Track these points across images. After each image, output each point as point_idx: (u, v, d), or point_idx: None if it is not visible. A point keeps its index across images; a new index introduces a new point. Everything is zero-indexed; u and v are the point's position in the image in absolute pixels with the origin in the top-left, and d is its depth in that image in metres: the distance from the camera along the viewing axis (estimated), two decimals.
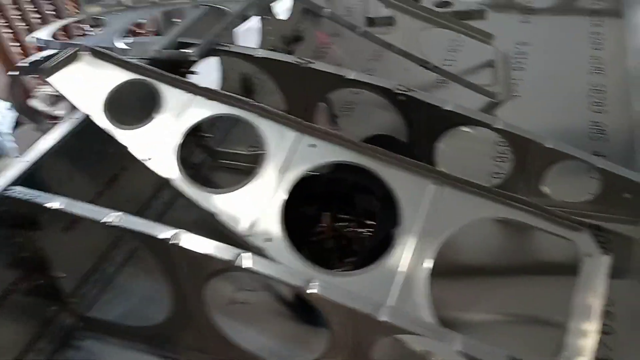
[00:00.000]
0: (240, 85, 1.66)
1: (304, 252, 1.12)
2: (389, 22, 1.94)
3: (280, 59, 1.22)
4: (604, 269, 0.94)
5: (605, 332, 0.93)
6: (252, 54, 1.25)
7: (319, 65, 1.20)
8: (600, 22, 1.89)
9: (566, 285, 0.93)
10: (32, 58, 1.36)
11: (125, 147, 1.05)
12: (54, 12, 3.16)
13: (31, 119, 1.59)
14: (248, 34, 1.78)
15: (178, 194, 1.31)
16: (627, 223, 1.13)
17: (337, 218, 1.17)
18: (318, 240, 1.15)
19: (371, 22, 2.01)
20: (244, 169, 1.42)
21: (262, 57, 1.23)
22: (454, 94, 1.57)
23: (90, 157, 1.12)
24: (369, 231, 1.14)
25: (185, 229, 0.84)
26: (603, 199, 1.12)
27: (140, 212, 1.27)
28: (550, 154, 1.09)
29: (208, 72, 1.45)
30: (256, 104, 1.07)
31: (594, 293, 0.91)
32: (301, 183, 1.05)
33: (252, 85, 1.68)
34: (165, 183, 1.30)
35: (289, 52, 1.91)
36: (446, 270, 0.98)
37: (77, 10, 3.20)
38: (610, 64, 1.66)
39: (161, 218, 1.30)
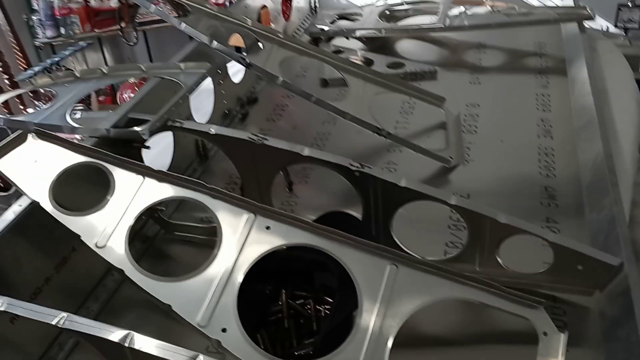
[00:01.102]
0: (195, 150, 1.65)
1: (262, 334, 1.11)
2: (342, 83, 1.97)
3: (235, 135, 1.22)
4: (561, 347, 0.95)
5: None
6: (206, 130, 1.24)
7: (273, 142, 1.19)
8: (546, 82, 1.95)
9: (526, 356, 0.94)
10: None
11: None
12: (0, 69, 3.12)
13: None
14: (201, 95, 1.78)
15: None
16: (582, 293, 1.15)
17: (294, 295, 1.15)
18: (275, 320, 1.13)
19: (325, 83, 2.04)
20: (198, 241, 1.40)
21: (217, 134, 1.22)
22: (408, 157, 1.59)
23: (38, 243, 1.08)
24: (327, 309, 1.13)
25: (139, 308, 0.81)
26: (557, 270, 1.13)
27: (93, 291, 1.23)
28: (505, 229, 1.11)
29: (161, 137, 1.44)
30: (208, 186, 1.05)
31: None
32: (259, 263, 1.04)
33: (207, 150, 1.67)
34: None
35: (244, 114, 1.91)
36: (406, 344, 0.97)
37: (25, 67, 3.16)
38: (557, 125, 1.71)
39: (113, 296, 1.26)
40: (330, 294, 1.15)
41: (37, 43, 3.62)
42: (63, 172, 1.06)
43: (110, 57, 3.94)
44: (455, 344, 1.12)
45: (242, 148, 1.22)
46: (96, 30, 3.43)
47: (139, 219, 1.05)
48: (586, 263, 1.10)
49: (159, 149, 1.48)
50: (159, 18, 1.53)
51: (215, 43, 1.46)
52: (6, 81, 3.09)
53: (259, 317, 1.13)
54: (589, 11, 2.07)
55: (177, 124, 1.25)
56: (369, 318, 0.94)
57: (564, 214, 1.38)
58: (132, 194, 1.04)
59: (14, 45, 3.17)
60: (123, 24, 3.32)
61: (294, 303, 1.14)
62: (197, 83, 1.30)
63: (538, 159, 1.57)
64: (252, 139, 1.19)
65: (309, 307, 1.14)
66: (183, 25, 1.48)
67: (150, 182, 1.06)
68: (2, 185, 1.72)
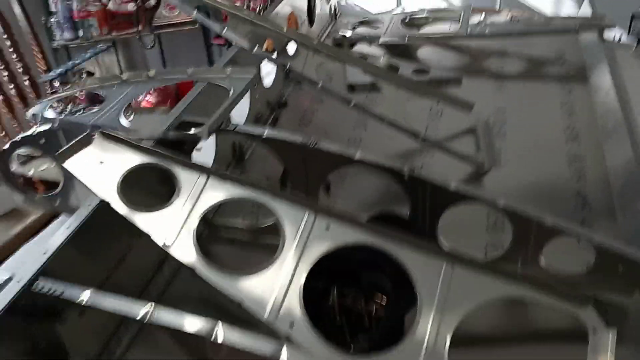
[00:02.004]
0: (232, 151, 1.69)
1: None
2: (369, 88, 2.02)
3: (287, 138, 1.26)
4: (611, 343, 1.00)
5: None
6: (259, 134, 1.28)
7: (325, 145, 1.23)
8: (569, 89, 2.00)
9: (575, 354, 0.98)
10: (26, 133, 1.36)
11: (133, 227, 1.06)
12: (21, 69, 3.15)
13: (18, 191, 1.57)
14: None
15: (178, 270, 1.33)
16: (622, 294, 1.19)
17: (345, 293, 1.19)
18: (328, 317, 1.17)
19: (352, 88, 2.08)
20: (240, 241, 1.44)
21: (270, 137, 1.26)
22: (439, 162, 1.64)
23: (101, 243, 1.12)
24: (377, 306, 1.17)
25: (189, 304, 0.84)
26: (598, 270, 1.18)
27: (144, 288, 1.27)
28: (550, 231, 1.15)
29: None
30: (268, 184, 1.09)
31: None
32: (321, 261, 1.08)
33: (243, 152, 1.71)
34: (165, 259, 1.33)
35: (275, 118, 1.96)
36: (457, 342, 1.01)
37: (45, 68, 3.20)
38: (583, 131, 1.75)
39: (164, 293, 1.30)
40: (378, 292, 1.19)
41: (54, 45, 3.66)
42: (128, 173, 1.10)
43: (123, 60, 3.98)
44: (503, 342, 1.17)
45: (294, 151, 1.26)
46: (113, 33, 3.47)
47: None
48: (627, 264, 1.15)
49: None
50: (174, 22, 1.57)
51: (256, 48, 1.51)
52: (26, 82, 3.12)
53: (313, 315, 1.17)
54: (609, 21, 2.12)
55: (230, 127, 1.29)
56: (428, 317, 0.99)
57: (597, 218, 1.43)
58: (197, 193, 1.08)
59: (33, 47, 3.21)
60: (140, 27, 3.36)
61: (344, 300, 1.18)
62: (247, 88, 1.34)
63: (568, 164, 1.61)
64: (305, 142, 1.23)
65: (360, 304, 1.18)
66: (225, 31, 1.52)
67: (214, 181, 1.10)
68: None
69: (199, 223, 1.07)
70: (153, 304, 0.86)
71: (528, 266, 1.22)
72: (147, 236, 1.06)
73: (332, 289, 1.19)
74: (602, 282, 1.20)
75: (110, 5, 3.41)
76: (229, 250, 1.44)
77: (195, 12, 1.57)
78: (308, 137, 1.24)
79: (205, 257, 1.01)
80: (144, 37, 3.41)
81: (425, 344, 0.95)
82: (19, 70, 3.17)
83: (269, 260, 1.03)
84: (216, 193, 1.09)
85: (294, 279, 1.01)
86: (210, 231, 1.47)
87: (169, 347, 1.15)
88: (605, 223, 1.42)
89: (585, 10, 2.50)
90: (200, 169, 1.11)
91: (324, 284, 1.21)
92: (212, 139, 1.51)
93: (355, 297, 1.19)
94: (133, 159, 1.11)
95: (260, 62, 1.73)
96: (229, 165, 1.64)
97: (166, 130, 1.24)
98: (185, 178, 1.10)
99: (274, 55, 1.78)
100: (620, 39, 2.96)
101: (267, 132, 1.28)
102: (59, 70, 3.09)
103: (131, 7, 3.39)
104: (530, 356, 1.13)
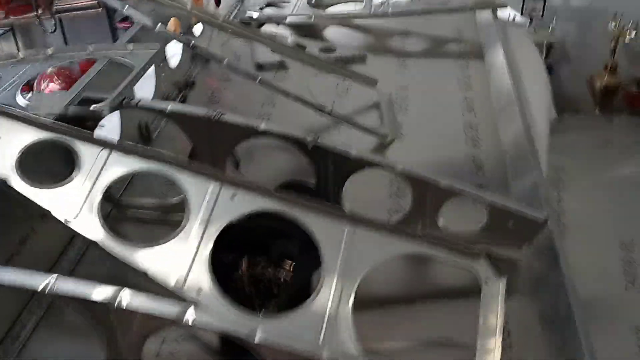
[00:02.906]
0: (138, 132, 1.67)
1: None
2: (277, 67, 2.05)
3: (192, 112, 1.26)
4: (501, 292, 1.08)
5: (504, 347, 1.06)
6: (163, 108, 1.27)
7: (230, 117, 1.25)
8: (466, 65, 2.11)
9: (473, 308, 1.06)
10: None
11: (34, 208, 1.04)
12: None
13: None
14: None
15: (85, 250, 1.32)
16: (512, 248, 1.28)
17: (255, 263, 1.22)
18: (238, 286, 1.20)
19: (260, 67, 2.10)
20: (149, 220, 1.44)
21: (174, 112, 1.27)
22: (345, 136, 1.69)
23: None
24: (286, 275, 1.20)
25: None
26: (491, 228, 1.26)
27: (49, 271, 1.25)
28: (445, 192, 1.22)
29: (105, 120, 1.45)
30: (174, 156, 1.10)
31: (495, 314, 1.04)
32: (226, 230, 1.10)
33: (150, 132, 1.70)
34: (71, 239, 1.31)
35: (183, 98, 1.94)
36: (362, 304, 1.07)
37: None
38: (479, 103, 1.86)
39: (72, 274, 1.28)
40: (287, 259, 1.22)
41: None
42: (26, 149, 1.07)
43: (23, 46, 3.80)
44: (406, 302, 1.23)
45: (199, 124, 1.27)
46: (11, 18, 3.30)
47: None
48: (516, 220, 1.24)
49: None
50: (77, 6, 1.54)
51: (159, 26, 1.50)
52: None
53: (223, 285, 1.18)
54: (501, 0, 2.25)
55: (134, 102, 1.28)
56: (332, 276, 1.03)
57: (492, 182, 1.52)
58: (99, 167, 1.07)
59: None
60: (40, 11, 3.22)
61: (254, 270, 1.20)
62: (150, 63, 1.34)
63: (465, 133, 1.71)
64: (209, 115, 1.24)
65: (268, 272, 1.21)
66: (127, 9, 1.50)
67: (116, 155, 1.09)
68: None
69: (103, 199, 1.06)
70: (56, 275, 0.85)
71: (428, 227, 1.29)
72: (51, 218, 1.05)
73: (241, 260, 1.21)
74: (495, 238, 1.29)
75: None
76: (138, 229, 1.43)
77: None
78: (212, 110, 1.25)
79: (109, 230, 1.01)
80: (45, 21, 3.27)
81: (329, 303, 0.99)
82: None
83: (175, 231, 1.04)
84: (119, 167, 1.09)
85: (200, 247, 1.03)
86: (119, 211, 1.45)
87: (75, 329, 1.13)
88: (500, 186, 1.51)
89: None
90: (101, 143, 1.10)
91: (234, 256, 1.23)
92: (116, 118, 1.49)
93: (264, 266, 1.22)
94: (30, 135, 1.09)
95: (165, 42, 1.71)
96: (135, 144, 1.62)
97: (66, 107, 1.21)
98: (86, 153, 1.09)
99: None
100: (514, 18, 3.14)
101: (170, 106, 1.28)
102: None
103: None
104: (431, 313, 1.20)
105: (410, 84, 1.99)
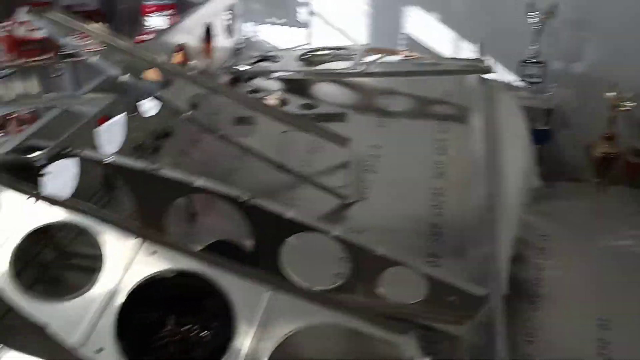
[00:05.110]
0: (102, 180, 1.67)
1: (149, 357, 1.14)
2: (255, 121, 2.05)
3: (129, 165, 1.25)
4: None
5: None
6: (100, 159, 1.27)
7: (167, 172, 1.24)
8: (447, 128, 2.08)
9: None
10: None
11: None
12: None
13: None
14: (114, 128, 1.81)
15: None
16: (455, 323, 1.23)
17: (181, 322, 1.18)
18: (162, 345, 1.16)
19: (239, 121, 2.10)
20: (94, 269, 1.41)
21: (110, 163, 1.26)
22: (311, 194, 1.66)
23: None
24: (211, 334, 1.16)
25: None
26: (431, 300, 1.21)
27: None
28: (382, 261, 1.18)
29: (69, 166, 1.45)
30: (96, 208, 1.09)
31: None
32: (145, 289, 1.07)
33: (112, 181, 1.69)
34: None
35: (156, 147, 1.95)
36: None
37: None
38: (452, 168, 1.82)
39: None
40: (216, 320, 1.18)
41: None
42: None
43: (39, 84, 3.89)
44: None
45: (138, 177, 1.26)
46: (23, 59, 3.39)
47: (32, 245, 1.07)
48: (456, 294, 1.19)
49: (66, 179, 1.50)
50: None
51: (122, 76, 1.51)
52: None
53: (145, 344, 1.15)
54: (487, 65, 2.23)
55: (74, 152, 1.28)
56: (245, 341, 0.99)
57: (448, 251, 1.47)
58: (21, 216, 1.06)
59: None
60: (50, 55, 3.31)
61: (179, 329, 1.17)
62: (101, 112, 1.34)
63: (431, 198, 1.67)
64: (145, 169, 1.23)
65: (194, 334, 1.17)
66: (94, 59, 1.52)
67: (42, 205, 1.08)
68: None
69: (32, 249, 1.05)
70: None
71: (367, 296, 1.25)
72: None
73: (168, 319, 1.18)
74: (436, 312, 1.23)
75: (18, 32, 3.35)
76: (83, 277, 1.41)
77: (66, 40, 1.57)
78: (150, 163, 1.24)
79: (16, 280, 0.99)
80: (52, 66, 3.36)
81: None
82: None
83: (85, 286, 1.02)
84: (40, 217, 1.08)
85: (110, 302, 1.00)
86: (63, 259, 1.43)
87: None
88: (457, 256, 1.46)
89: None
90: (27, 191, 1.09)
91: (162, 314, 1.20)
92: (71, 166, 1.49)
93: (191, 326, 1.18)
94: None
95: (126, 91, 1.72)
96: (95, 193, 1.62)
97: (3, 154, 1.21)
98: (9, 199, 1.08)
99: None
100: (513, 82, 3.13)
101: (110, 159, 1.27)
102: None
103: (41, 34, 3.33)
104: None
105: (385, 144, 1.97)
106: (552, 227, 2.41)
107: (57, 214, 1.09)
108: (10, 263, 1.02)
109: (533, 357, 1.69)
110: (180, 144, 2.00)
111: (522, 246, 1.94)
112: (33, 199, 1.10)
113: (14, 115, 2.36)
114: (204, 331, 1.14)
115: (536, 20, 3.02)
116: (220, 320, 1.13)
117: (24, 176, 1.23)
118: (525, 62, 3.07)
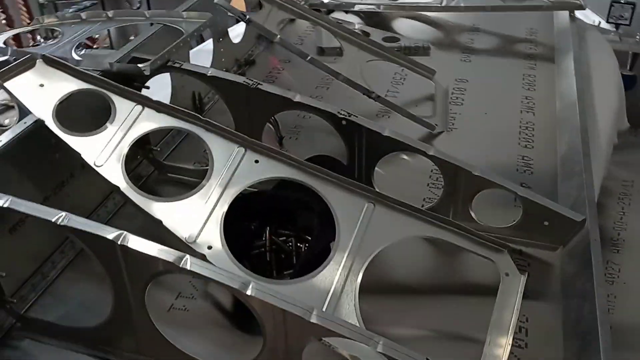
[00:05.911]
0: (192, 103, 1.71)
1: (245, 264, 1.18)
2: (338, 52, 2.04)
3: (230, 78, 1.28)
4: (520, 287, 1.03)
5: (518, 345, 1.01)
6: (203, 72, 1.30)
7: (266, 87, 1.26)
8: (533, 66, 2.03)
9: (488, 303, 1.01)
10: None
11: (73, 155, 1.09)
12: (4, 21, 3.15)
13: None
14: (201, 55, 1.84)
15: (122, 204, 1.35)
16: (546, 249, 1.22)
17: (277, 233, 1.22)
18: (258, 254, 1.20)
19: (321, 51, 2.10)
20: (189, 183, 1.46)
21: (213, 76, 1.29)
22: (395, 124, 1.66)
23: (37, 163, 1.14)
24: (307, 246, 1.20)
25: None
26: (525, 225, 1.21)
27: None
28: (478, 181, 1.18)
29: (160, 88, 1.50)
30: (203, 118, 1.12)
31: (510, 309, 1.00)
32: (245, 199, 1.11)
33: (202, 104, 1.73)
34: (111, 193, 1.35)
35: (240, 75, 1.97)
36: (376, 287, 1.05)
37: (29, 21, 3.19)
38: (540, 103, 1.78)
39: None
40: (311, 233, 1.21)
41: (40, 0, 3.67)
42: (67, 97, 1.12)
43: None
44: (420, 290, 1.19)
45: (237, 92, 1.28)
46: None
47: (134, 155, 1.11)
48: (552, 218, 1.18)
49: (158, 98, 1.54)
50: None
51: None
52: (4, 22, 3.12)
53: (243, 250, 1.19)
54: (580, 1, 2.14)
55: (177, 64, 1.32)
56: (345, 249, 1.02)
57: (538, 181, 1.45)
58: (132, 120, 1.11)
59: (18, 0, 3.21)
60: None
61: (276, 239, 1.21)
62: (198, 30, 1.37)
63: (519, 131, 1.64)
64: (247, 83, 1.25)
65: (290, 244, 1.21)
66: None
67: (149, 111, 1.13)
68: None
69: (132, 150, 1.10)
70: (66, 213, 0.88)
71: (459, 217, 1.25)
72: (89, 169, 1.09)
73: (266, 229, 1.22)
74: (529, 237, 1.23)
75: None
76: (176, 192, 1.46)
77: None
78: (250, 78, 1.26)
79: (132, 180, 1.04)
80: None
81: (337, 277, 0.98)
82: (3, 22, 3.18)
83: (195, 189, 1.06)
84: (149, 122, 1.12)
85: (217, 206, 1.04)
86: (161, 173, 1.49)
87: (101, 277, 1.17)
88: (547, 187, 1.44)
89: None
90: (136, 98, 1.13)
91: (259, 223, 1.23)
92: (168, 82, 1.53)
93: (287, 237, 1.22)
94: (72, 84, 1.14)
95: (220, 13, 1.73)
96: None
97: (113, 63, 1.26)
98: (121, 106, 1.13)
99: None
100: (599, 24, 2.99)
101: (211, 71, 1.30)
102: None
103: None
104: (448, 305, 1.16)
105: (470, 78, 1.93)
106: (633, 175, 2.34)
107: (164, 120, 1.13)
108: (122, 164, 1.07)
109: (614, 295, 1.67)
110: (263, 73, 2.02)
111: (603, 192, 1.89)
112: (140, 106, 1.14)
113: None
114: (301, 244, 1.17)
115: None
116: (318, 231, 1.16)
117: (129, 86, 1.27)
118: (616, 2, 2.93)
